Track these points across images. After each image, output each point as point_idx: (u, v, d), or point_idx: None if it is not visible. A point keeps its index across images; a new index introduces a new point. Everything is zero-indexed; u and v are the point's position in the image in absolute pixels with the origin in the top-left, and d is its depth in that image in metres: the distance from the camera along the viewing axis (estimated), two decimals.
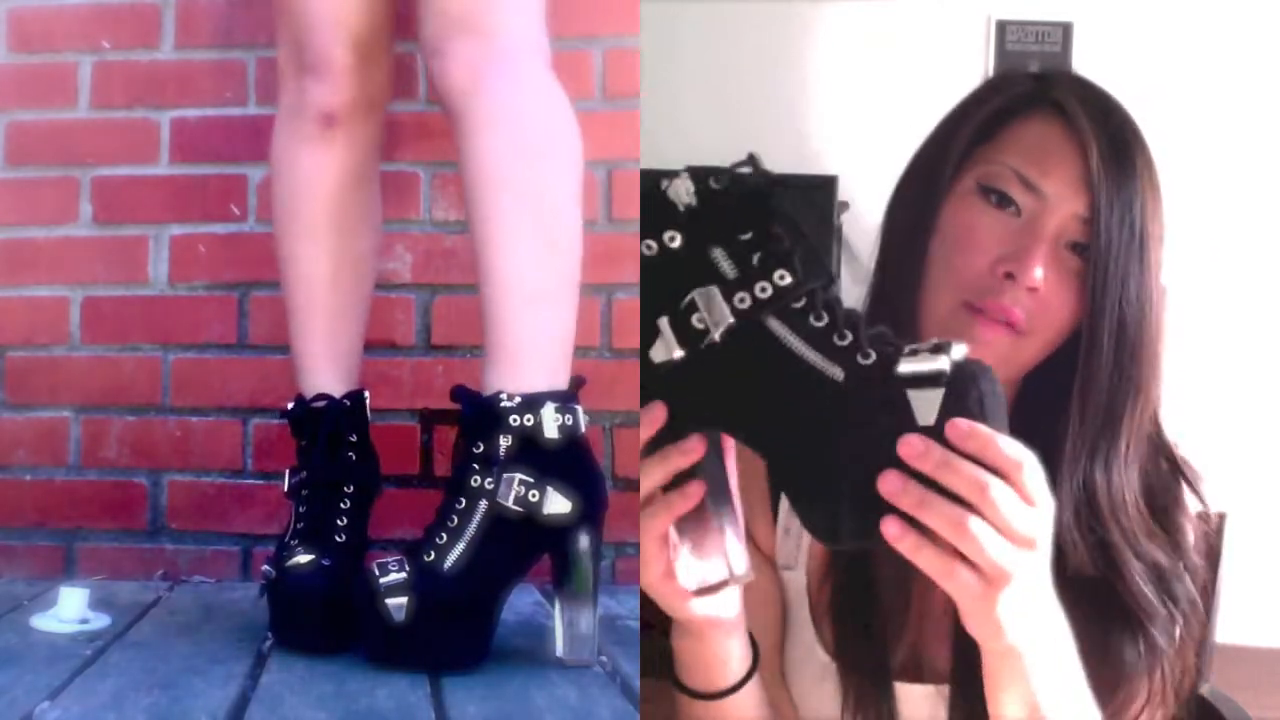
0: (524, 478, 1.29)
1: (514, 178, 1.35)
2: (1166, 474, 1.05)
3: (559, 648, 1.34)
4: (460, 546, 1.29)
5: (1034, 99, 1.02)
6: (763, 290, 0.79)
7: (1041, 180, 0.98)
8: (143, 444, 1.89)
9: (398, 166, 1.87)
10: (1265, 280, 3.52)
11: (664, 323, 0.81)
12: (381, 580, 1.30)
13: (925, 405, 0.76)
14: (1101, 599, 0.97)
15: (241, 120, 1.90)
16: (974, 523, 0.74)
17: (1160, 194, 1.01)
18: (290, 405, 1.58)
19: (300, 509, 1.52)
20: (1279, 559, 3.36)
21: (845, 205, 3.31)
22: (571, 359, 1.37)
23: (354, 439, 1.55)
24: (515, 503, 1.29)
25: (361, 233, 1.59)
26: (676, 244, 0.81)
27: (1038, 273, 0.96)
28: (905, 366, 0.77)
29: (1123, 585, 0.97)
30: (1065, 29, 3.59)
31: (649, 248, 0.81)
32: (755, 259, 0.80)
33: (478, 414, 1.31)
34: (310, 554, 1.44)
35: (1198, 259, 3.50)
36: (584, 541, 1.31)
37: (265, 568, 1.46)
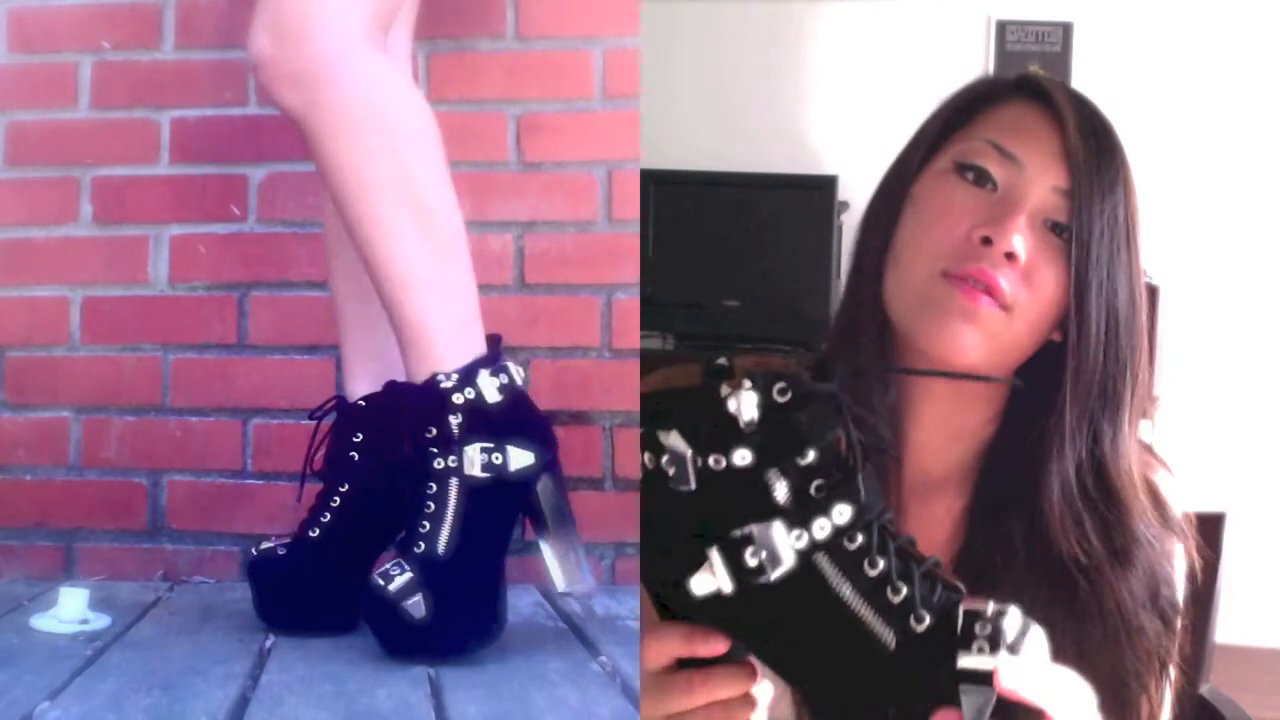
0: (484, 444, 1.35)
1: (378, 177, 1.37)
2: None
3: (559, 583, 1.39)
4: (445, 529, 1.33)
5: (1013, 88, 1.02)
6: (821, 529, 0.72)
7: (1017, 148, 0.97)
8: (143, 444, 1.89)
9: None
10: (1264, 280, 3.52)
11: (714, 554, 0.72)
12: (391, 587, 1.31)
13: (974, 708, 0.72)
14: (1088, 605, 0.95)
15: (241, 120, 1.90)
16: None
17: (1136, 194, 0.99)
18: (360, 400, 1.57)
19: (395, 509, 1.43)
20: (1279, 559, 3.36)
21: (845, 205, 3.31)
22: (480, 319, 1.42)
23: None
24: (483, 469, 1.35)
25: None
26: (739, 463, 0.71)
27: (1016, 239, 0.94)
28: (965, 661, 0.72)
29: (1120, 573, 0.95)
30: (1065, 29, 3.58)
31: (713, 462, 0.71)
32: (815, 488, 0.72)
33: (423, 401, 1.36)
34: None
35: (1196, 258, 3.50)
36: (551, 481, 1.40)
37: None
